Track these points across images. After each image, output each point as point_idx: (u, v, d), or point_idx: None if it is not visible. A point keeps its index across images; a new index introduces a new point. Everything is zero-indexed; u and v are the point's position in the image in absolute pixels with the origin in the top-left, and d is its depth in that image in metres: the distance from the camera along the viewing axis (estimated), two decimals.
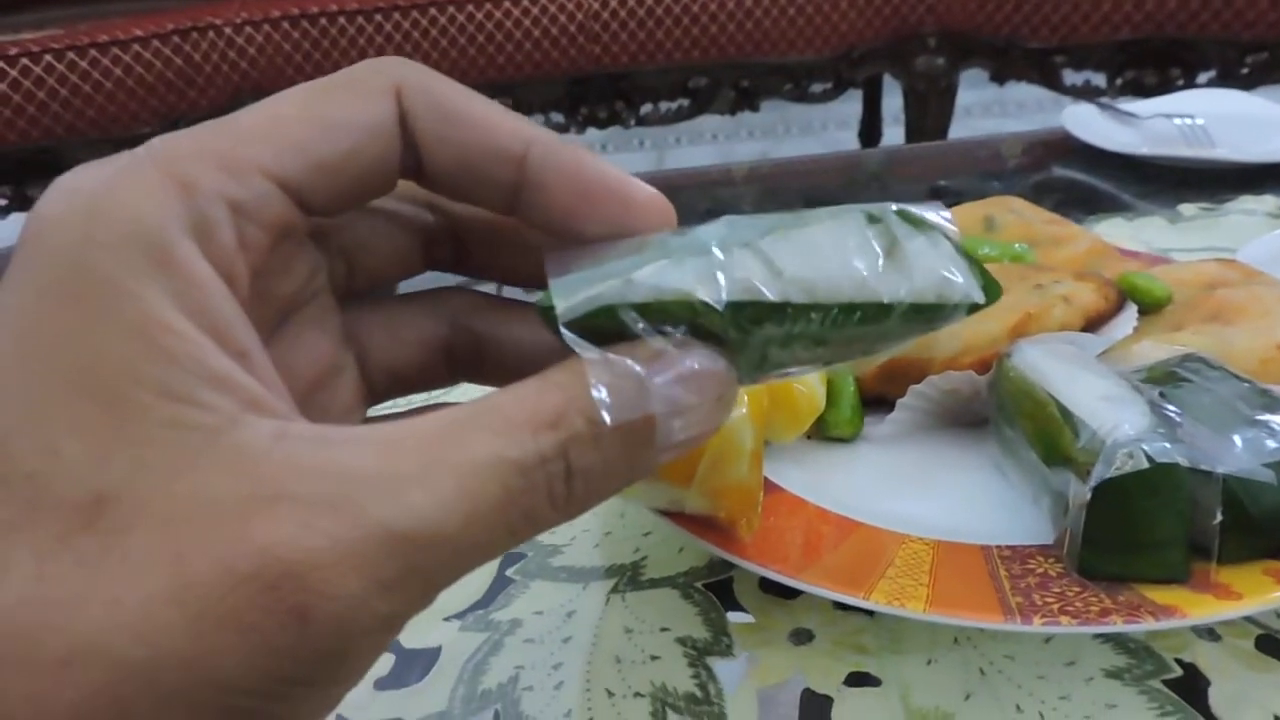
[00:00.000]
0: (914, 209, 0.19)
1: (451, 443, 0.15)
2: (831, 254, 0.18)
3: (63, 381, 0.14)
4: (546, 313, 0.17)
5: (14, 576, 0.13)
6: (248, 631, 0.13)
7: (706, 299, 0.17)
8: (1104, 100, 0.81)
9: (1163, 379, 0.33)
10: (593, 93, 1.82)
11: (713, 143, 2.58)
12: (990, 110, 2.43)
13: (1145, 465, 0.27)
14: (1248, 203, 0.65)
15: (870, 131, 2.38)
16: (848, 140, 2.44)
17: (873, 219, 0.18)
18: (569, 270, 0.18)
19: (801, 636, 0.32)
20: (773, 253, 0.18)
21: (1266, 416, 0.30)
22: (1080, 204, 0.68)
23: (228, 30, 1.67)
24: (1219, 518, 0.28)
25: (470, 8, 1.72)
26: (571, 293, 0.17)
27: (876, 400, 0.40)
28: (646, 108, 1.86)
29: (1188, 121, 0.73)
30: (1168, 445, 0.28)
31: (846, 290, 0.18)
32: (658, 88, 1.83)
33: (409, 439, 0.15)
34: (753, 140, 2.59)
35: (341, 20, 1.71)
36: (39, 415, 0.14)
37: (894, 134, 1.90)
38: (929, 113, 1.83)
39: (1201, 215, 0.64)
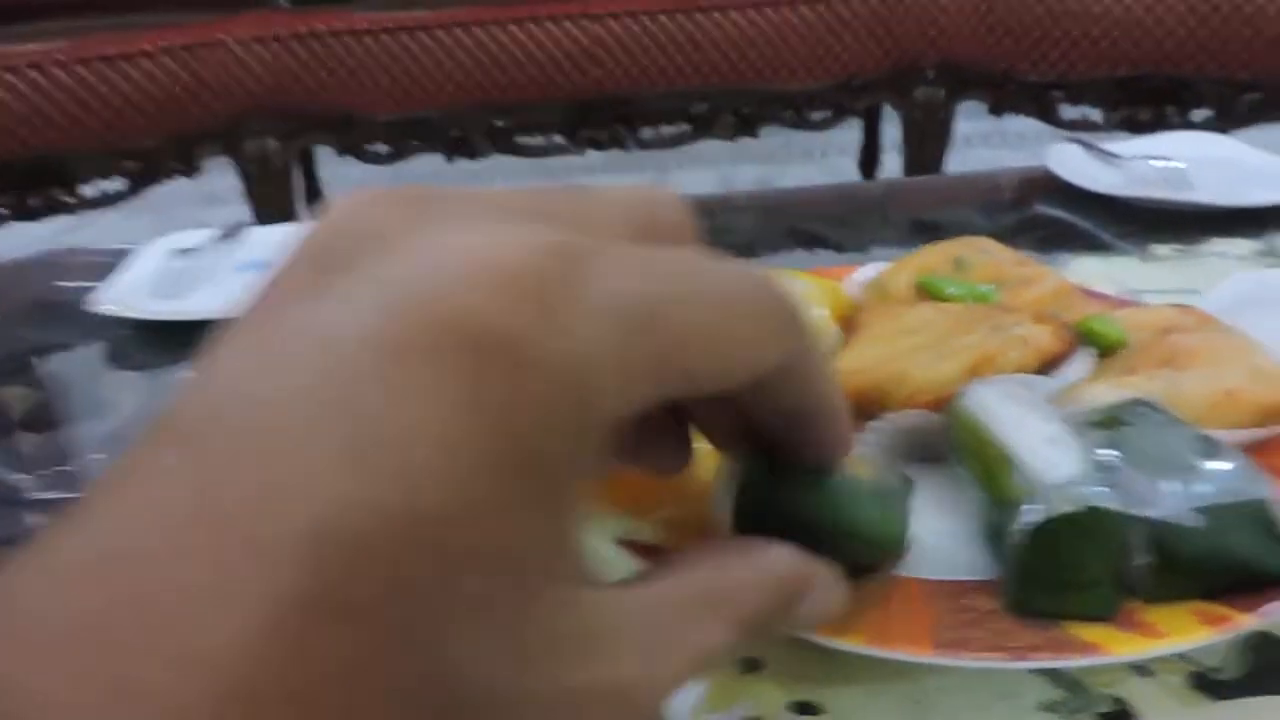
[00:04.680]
0: None
1: (692, 625, 0.18)
2: None
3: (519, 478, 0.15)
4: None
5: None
6: None
7: None
8: (1087, 140, 0.82)
9: (1109, 423, 0.34)
10: (594, 116, 1.84)
11: (713, 165, 2.60)
12: (989, 140, 2.45)
13: (1077, 509, 0.28)
14: (1219, 245, 0.66)
15: (869, 159, 2.41)
16: (847, 166, 2.46)
17: None
18: None
19: (750, 665, 0.33)
20: None
21: (1204, 463, 0.31)
22: (1059, 241, 0.70)
23: (235, 47, 1.69)
24: (1148, 560, 0.29)
25: (476, 30, 1.74)
26: None
27: None
28: (647, 132, 1.88)
29: (1167, 164, 0.74)
30: (1102, 489, 0.29)
31: None
32: (659, 112, 1.86)
33: (662, 609, 0.18)
34: (753, 165, 2.61)
35: (348, 39, 1.73)
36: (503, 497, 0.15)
37: (892, 161, 1.92)
38: (927, 142, 1.85)
39: (1174, 256, 0.65)
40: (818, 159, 2.57)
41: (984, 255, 0.49)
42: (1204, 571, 0.29)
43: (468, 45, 1.75)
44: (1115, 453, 0.31)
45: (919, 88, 1.79)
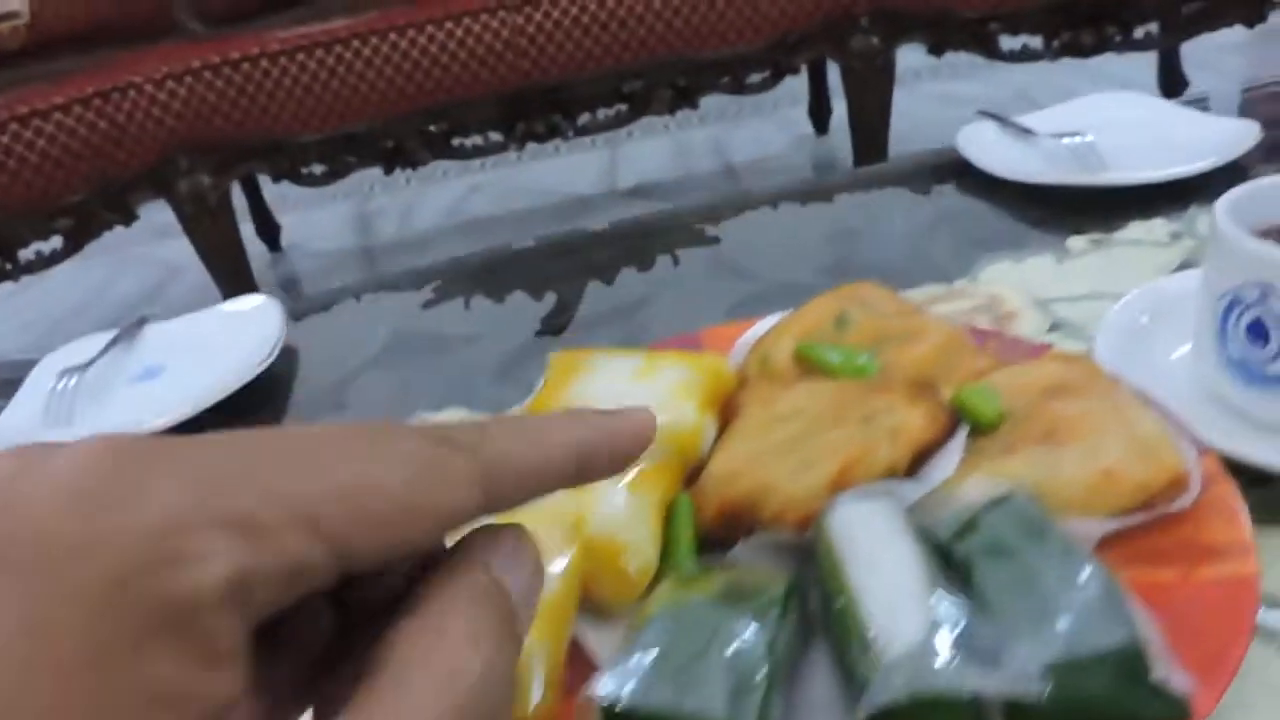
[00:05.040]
0: None
1: None
2: None
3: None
4: None
5: None
6: None
7: None
8: (999, 115, 0.79)
9: (972, 536, 0.32)
10: (528, 108, 1.80)
11: (665, 134, 2.55)
12: (939, 73, 2.40)
13: (919, 694, 0.26)
14: (1136, 230, 0.64)
15: (819, 110, 2.36)
16: (799, 118, 2.41)
17: None
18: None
19: None
20: None
21: (1065, 595, 0.29)
22: (972, 240, 0.67)
23: (149, 87, 1.64)
24: None
25: (394, 36, 1.69)
26: None
27: (719, 541, 0.39)
28: (585, 117, 1.83)
29: (1080, 140, 0.71)
30: (948, 659, 0.27)
31: None
32: (593, 96, 1.81)
33: None
34: (704, 126, 2.56)
35: (264, 63, 1.68)
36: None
37: (843, 108, 1.88)
38: (869, 92, 1.80)
39: (1090, 249, 0.63)
40: (769, 112, 2.52)
41: (865, 310, 0.47)
42: None
43: (386, 53, 1.70)
44: (965, 603, 0.29)
45: (855, 37, 1.74)
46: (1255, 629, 0.31)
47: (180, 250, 1.82)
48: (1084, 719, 0.27)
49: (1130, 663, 0.27)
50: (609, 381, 0.44)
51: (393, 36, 1.69)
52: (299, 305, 0.75)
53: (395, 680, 0.16)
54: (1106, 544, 0.36)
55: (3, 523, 0.15)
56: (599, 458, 0.21)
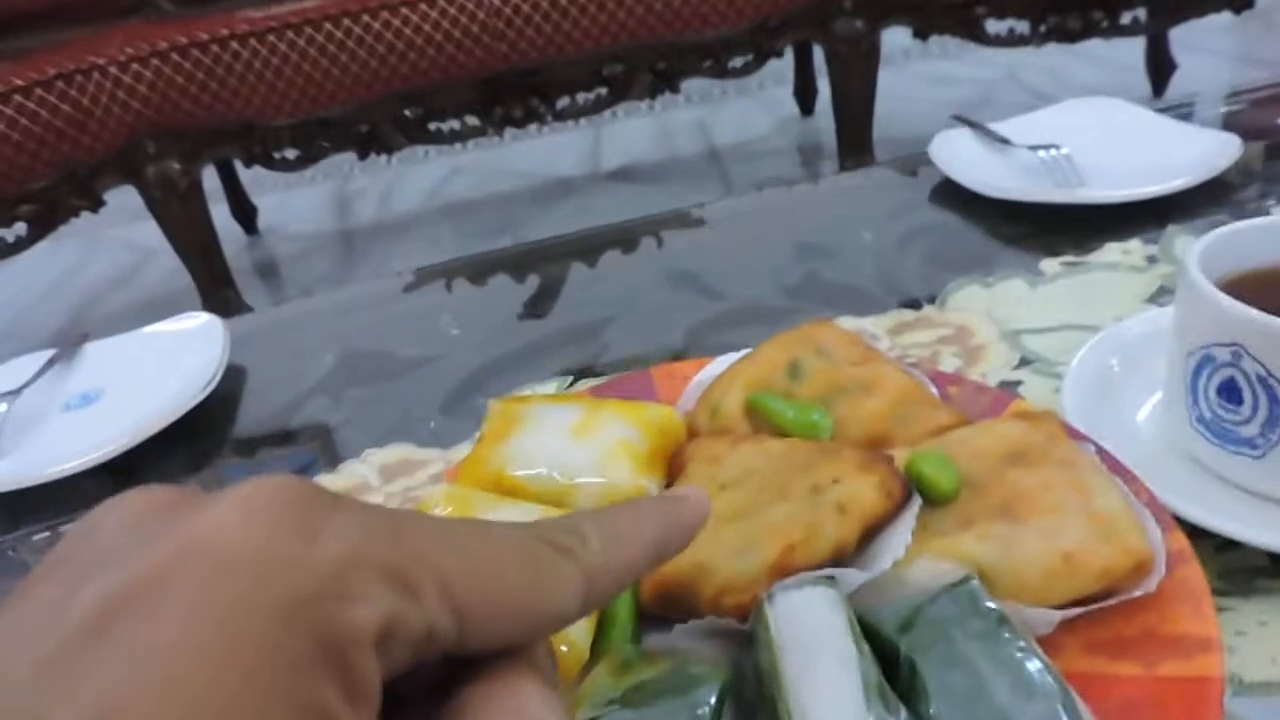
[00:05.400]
0: None
1: None
2: None
3: None
4: None
5: None
6: None
7: None
8: (975, 122, 0.76)
9: (919, 632, 0.30)
10: (505, 92, 1.76)
11: (649, 114, 2.51)
12: (928, 52, 2.36)
13: None
14: (1113, 253, 0.61)
15: (805, 91, 2.32)
16: (784, 98, 2.37)
17: None
18: None
19: None
20: None
21: (1014, 708, 0.27)
22: (944, 261, 0.65)
23: (113, 70, 1.60)
24: None
25: (367, 18, 1.65)
26: None
27: (658, 618, 0.37)
28: (563, 101, 1.79)
29: (1056, 154, 0.69)
30: None
31: None
32: (572, 80, 1.77)
33: None
34: (689, 107, 2.52)
35: (234, 45, 1.64)
36: None
37: (829, 88, 1.84)
38: (854, 74, 1.76)
39: (1064, 274, 0.60)
40: (754, 93, 2.48)
41: (820, 358, 0.45)
42: None
43: (359, 35, 1.65)
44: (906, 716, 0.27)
45: (838, 20, 1.70)
46: None
47: (154, 233, 1.77)
48: None
49: None
50: (547, 437, 0.41)
51: (366, 18, 1.64)
52: (244, 323, 0.72)
53: None
54: (1064, 630, 0.33)
55: (200, 532, 0.15)
56: (669, 549, 0.22)
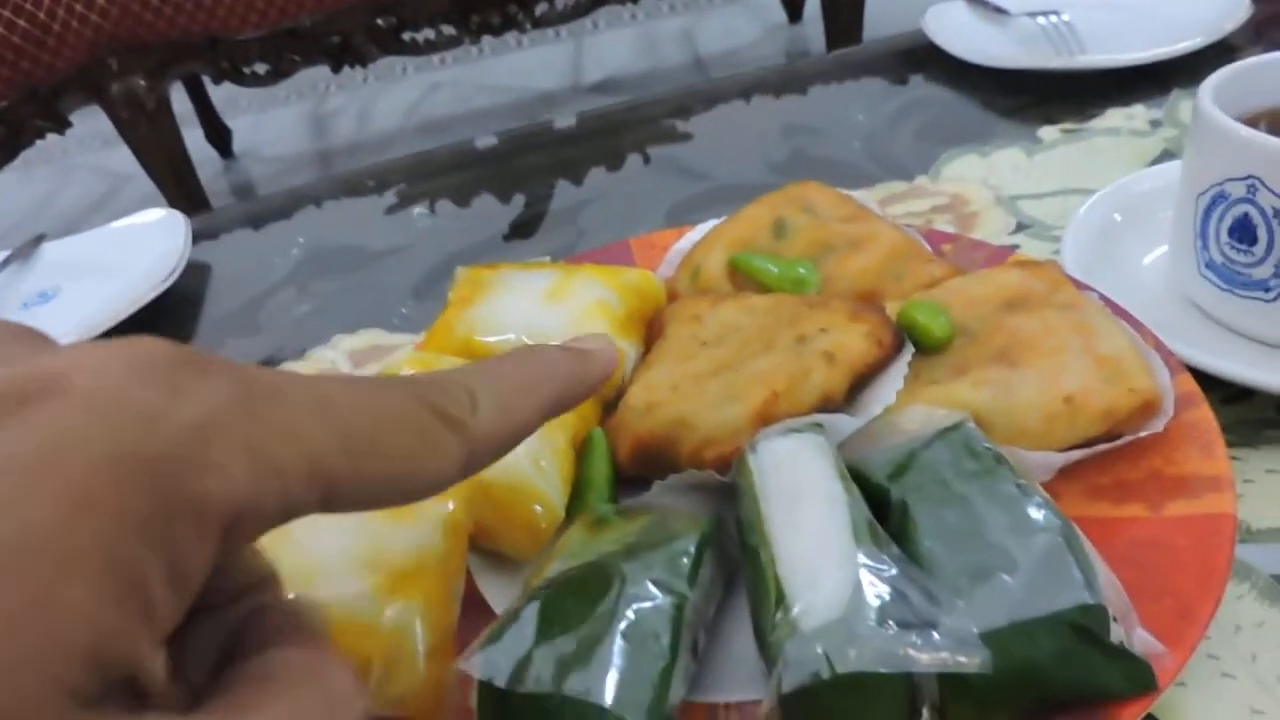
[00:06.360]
0: None
1: None
2: None
3: None
4: None
5: None
6: None
7: None
8: None
9: (911, 476, 0.28)
10: None
11: (633, 24, 2.43)
12: None
13: (836, 673, 0.22)
14: (1114, 118, 0.58)
15: None
16: (771, 4, 2.30)
17: None
18: None
19: None
20: None
21: (1013, 546, 0.25)
22: (937, 132, 0.62)
23: None
24: (935, 705, 0.23)
25: None
26: None
27: (635, 479, 0.35)
28: (543, 6, 1.73)
29: (1056, 20, 0.65)
30: (872, 628, 0.23)
31: None
32: None
33: None
34: (675, 15, 2.45)
35: None
36: None
37: None
38: None
39: (1063, 140, 0.57)
40: (741, 0, 2.40)
41: (807, 215, 0.42)
42: (1010, 703, 0.24)
43: None
44: (898, 559, 0.25)
45: None
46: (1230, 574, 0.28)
47: (127, 158, 1.72)
48: (1032, 690, 0.24)
49: (1085, 626, 0.23)
50: (518, 301, 0.39)
51: None
52: (208, 220, 0.69)
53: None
54: (1066, 476, 0.32)
55: (59, 364, 0.14)
56: (564, 405, 0.22)
